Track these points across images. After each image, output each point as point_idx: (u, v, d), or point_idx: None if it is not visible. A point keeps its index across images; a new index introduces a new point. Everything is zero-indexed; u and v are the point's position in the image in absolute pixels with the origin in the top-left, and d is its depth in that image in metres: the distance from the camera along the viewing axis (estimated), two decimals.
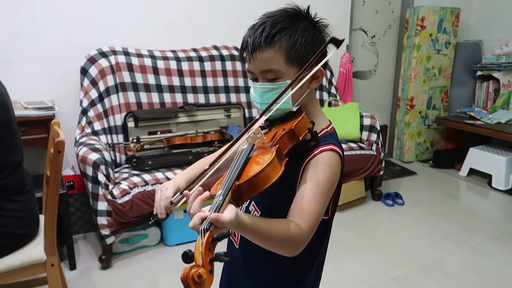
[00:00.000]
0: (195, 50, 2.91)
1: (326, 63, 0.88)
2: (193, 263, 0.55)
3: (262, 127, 0.87)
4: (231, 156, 0.79)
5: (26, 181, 1.54)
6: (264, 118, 0.81)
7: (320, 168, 0.80)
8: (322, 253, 0.97)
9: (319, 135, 0.85)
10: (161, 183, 2.26)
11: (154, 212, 0.87)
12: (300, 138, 0.78)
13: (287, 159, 0.74)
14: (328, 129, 0.89)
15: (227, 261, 0.57)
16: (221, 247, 1.05)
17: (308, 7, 0.87)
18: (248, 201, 0.94)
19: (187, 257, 0.57)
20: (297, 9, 0.86)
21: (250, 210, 0.93)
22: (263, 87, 0.84)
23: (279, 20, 0.83)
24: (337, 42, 0.80)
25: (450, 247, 2.49)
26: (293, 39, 0.81)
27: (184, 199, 0.78)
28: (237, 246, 0.97)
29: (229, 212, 0.63)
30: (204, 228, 0.60)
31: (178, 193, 0.85)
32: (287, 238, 0.72)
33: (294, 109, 0.84)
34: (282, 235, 0.72)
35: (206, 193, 0.70)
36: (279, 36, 0.81)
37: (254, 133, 0.78)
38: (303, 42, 0.82)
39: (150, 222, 2.35)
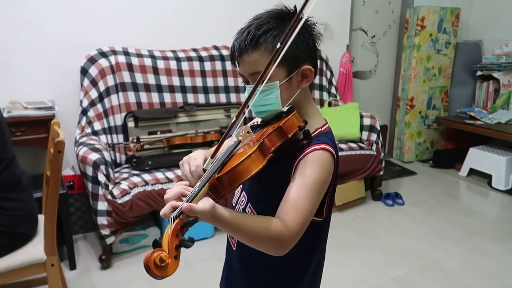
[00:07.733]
0: (195, 50, 2.91)
1: (316, 61, 0.87)
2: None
3: (254, 127, 0.87)
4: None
5: (21, 179, 1.54)
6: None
7: (311, 166, 0.79)
8: (319, 254, 0.96)
9: (313, 134, 0.84)
10: (161, 183, 2.27)
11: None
12: (289, 136, 0.78)
13: (271, 154, 0.74)
14: (322, 128, 0.88)
15: (191, 246, 0.59)
16: (221, 249, 1.05)
17: (295, 7, 0.84)
18: (245, 204, 0.93)
19: (156, 244, 0.59)
20: (283, 9, 0.85)
21: (247, 211, 0.92)
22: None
23: (264, 22, 0.82)
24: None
25: (450, 247, 2.49)
26: (278, 40, 0.79)
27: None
28: (234, 248, 0.97)
29: (204, 203, 0.64)
30: (174, 216, 0.61)
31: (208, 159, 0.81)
32: (270, 235, 0.71)
33: (285, 109, 0.84)
34: (263, 232, 0.71)
35: (184, 182, 0.71)
36: (264, 37, 0.80)
37: (243, 131, 0.79)
38: None
39: None
